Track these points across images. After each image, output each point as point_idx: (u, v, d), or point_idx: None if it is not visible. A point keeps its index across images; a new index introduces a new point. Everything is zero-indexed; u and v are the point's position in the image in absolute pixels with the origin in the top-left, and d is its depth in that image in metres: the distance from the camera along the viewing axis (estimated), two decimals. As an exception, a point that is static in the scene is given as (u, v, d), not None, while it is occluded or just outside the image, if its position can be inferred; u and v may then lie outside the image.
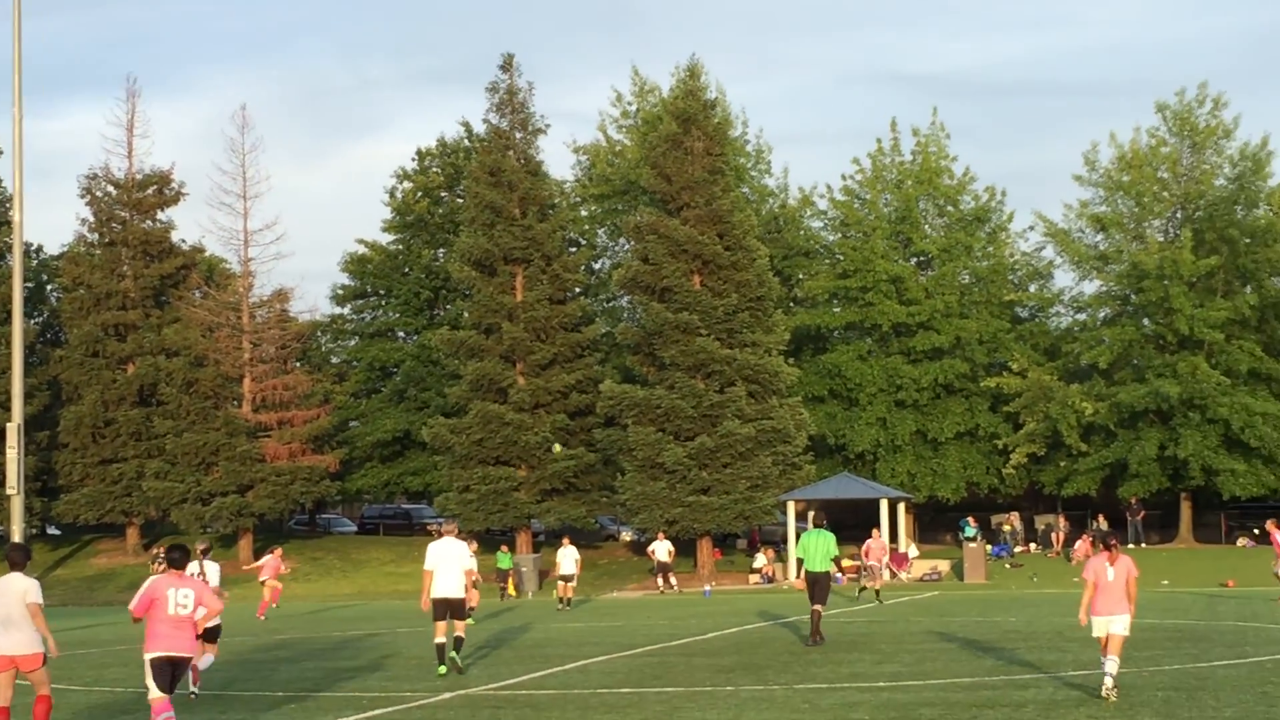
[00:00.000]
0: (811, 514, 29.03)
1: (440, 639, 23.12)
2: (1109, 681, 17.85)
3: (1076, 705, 17.10)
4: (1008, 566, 59.47)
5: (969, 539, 58.37)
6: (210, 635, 21.61)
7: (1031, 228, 74.31)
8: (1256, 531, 65.12)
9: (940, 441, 69.15)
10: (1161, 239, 68.02)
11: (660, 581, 56.49)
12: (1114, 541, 19.08)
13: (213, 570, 24.25)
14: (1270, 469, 64.36)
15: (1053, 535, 66.07)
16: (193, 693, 20.38)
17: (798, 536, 40.23)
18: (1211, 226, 66.18)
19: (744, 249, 62.54)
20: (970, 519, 60.73)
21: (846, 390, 69.61)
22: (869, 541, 48.54)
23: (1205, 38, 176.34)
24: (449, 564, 23.16)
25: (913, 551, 61.87)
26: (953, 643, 27.15)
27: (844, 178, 73.46)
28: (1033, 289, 73.75)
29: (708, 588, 55.74)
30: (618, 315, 74.80)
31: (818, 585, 27.34)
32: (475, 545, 38.75)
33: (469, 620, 24.71)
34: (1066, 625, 31.53)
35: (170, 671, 15.40)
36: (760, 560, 61.57)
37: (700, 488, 60.50)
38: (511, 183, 66.75)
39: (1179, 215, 68.89)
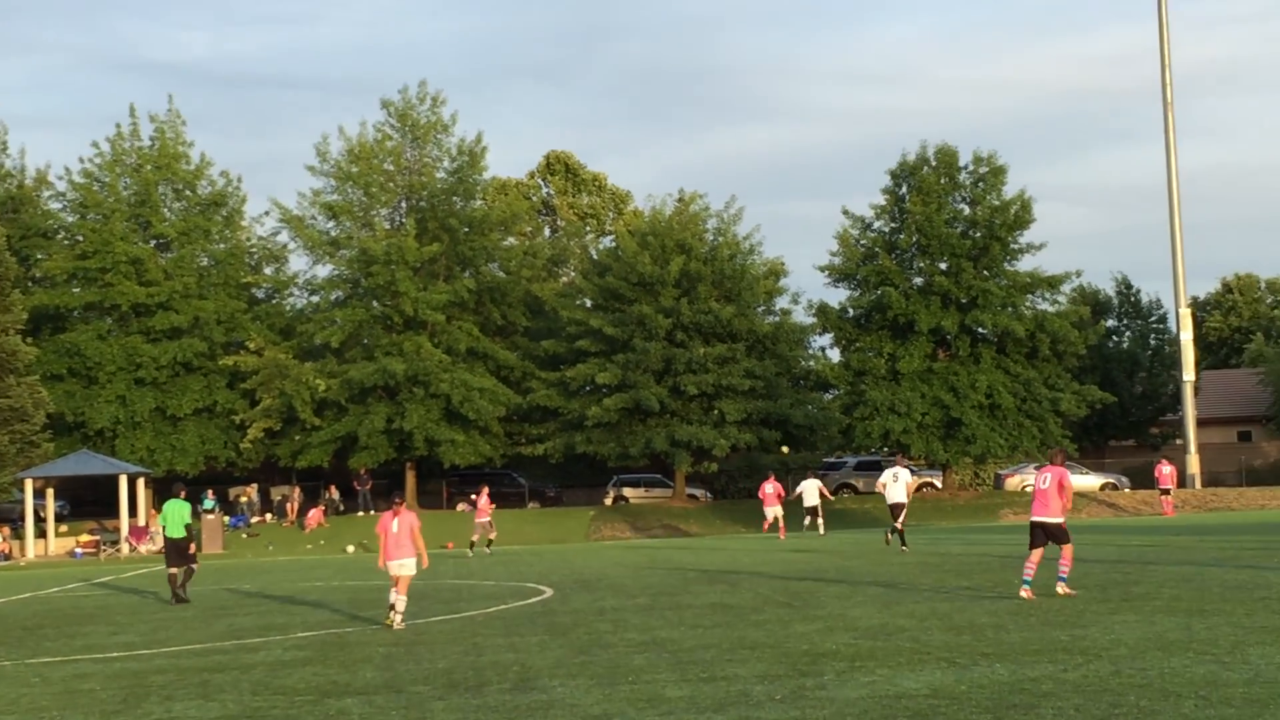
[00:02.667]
0: (173, 488, 30.17)
1: None
2: (397, 618, 21.17)
3: (303, 665, 17.14)
4: (245, 536, 59.23)
5: (207, 511, 57.74)
6: None
7: (267, 213, 74.09)
8: (473, 497, 67.96)
9: (179, 418, 67.90)
10: (389, 227, 69.61)
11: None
12: (399, 500, 22.07)
13: None
14: (486, 439, 67.23)
15: (287, 505, 66.41)
16: None
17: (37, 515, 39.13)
18: (434, 216, 68.31)
19: (-21, 227, 58.97)
20: (209, 491, 60.06)
21: (86, 369, 67.16)
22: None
23: (430, 40, 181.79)
24: None
25: (156, 527, 60.43)
26: (188, 612, 26.69)
27: (82, 160, 70.86)
28: (269, 272, 73.63)
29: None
30: None
31: (176, 550, 29.04)
32: None
33: None
34: (298, 590, 31.71)
35: None
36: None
37: (-68, 468, 56.66)
38: None
39: (404, 205, 70.64)
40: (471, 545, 47.58)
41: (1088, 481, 69.62)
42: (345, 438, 66.13)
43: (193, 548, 29.74)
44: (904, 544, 35.98)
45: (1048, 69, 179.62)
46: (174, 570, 29.03)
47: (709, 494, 72.83)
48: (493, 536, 47.67)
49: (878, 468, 72.41)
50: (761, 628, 18.82)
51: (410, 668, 16.40)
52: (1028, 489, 69.78)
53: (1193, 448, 68.71)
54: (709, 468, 67.61)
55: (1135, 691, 12.27)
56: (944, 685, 13.12)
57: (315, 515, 63.44)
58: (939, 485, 71.44)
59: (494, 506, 48.19)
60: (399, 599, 21.31)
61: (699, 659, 15.87)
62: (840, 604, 21.67)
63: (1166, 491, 59.66)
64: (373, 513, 67.33)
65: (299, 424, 66.22)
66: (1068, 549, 21.48)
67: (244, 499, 65.65)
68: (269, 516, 67.20)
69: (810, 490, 48.74)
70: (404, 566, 21.41)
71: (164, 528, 29.69)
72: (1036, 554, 21.46)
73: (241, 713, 13.60)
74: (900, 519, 36.17)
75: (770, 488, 49.47)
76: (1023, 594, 21.00)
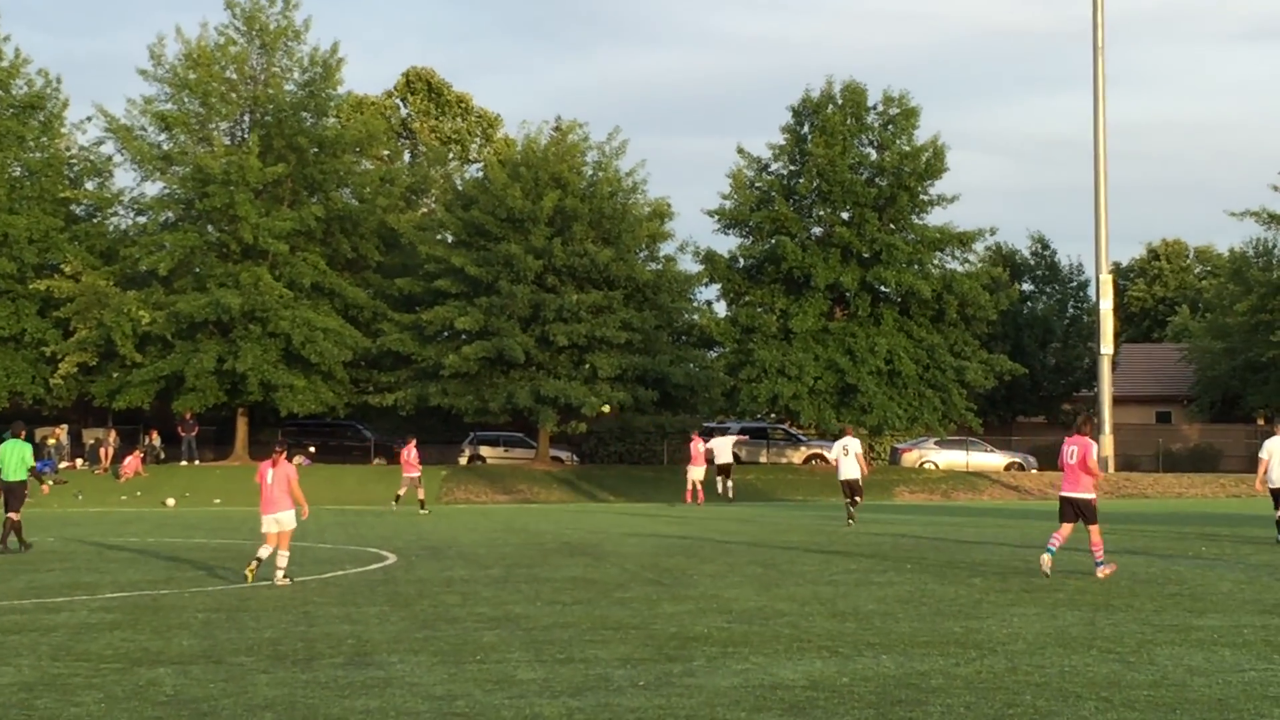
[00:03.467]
0: (11, 426, 30.77)
1: None
2: (278, 575, 22.16)
3: (111, 628, 16.97)
4: (51, 483, 58.33)
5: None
6: None
7: (89, 119, 72.65)
8: (312, 449, 67.65)
9: (-15, 348, 66.70)
10: (229, 143, 68.63)
11: None
12: (278, 449, 22.81)
13: None
14: (330, 385, 66.73)
15: (101, 450, 65.63)
16: None
17: None
18: (280, 133, 67.49)
19: None
20: (11, 431, 59.07)
21: (-127, 285, 65.66)
22: None
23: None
24: None
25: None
26: (-18, 565, 26.33)
27: (-119, 46, 69.06)
28: (90, 187, 72.23)
29: None
30: None
31: (13, 494, 30.27)
32: None
33: None
34: (109, 546, 31.37)
35: None
36: None
37: None
38: None
39: (247, 119, 69.73)
40: (397, 499, 49.44)
41: (991, 460, 70.76)
42: (170, 377, 65.31)
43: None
44: (851, 518, 37.20)
45: (969, 2, 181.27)
46: (14, 515, 29.90)
47: (576, 457, 72.99)
48: (422, 495, 48.36)
49: (764, 435, 73.14)
50: (626, 606, 18.91)
51: (232, 636, 16.30)
52: (926, 465, 71.04)
53: (1107, 428, 69.80)
54: (577, 428, 67.72)
55: (1032, 690, 12.47)
56: (824, 676, 13.25)
57: (132, 463, 62.74)
58: (829, 458, 72.09)
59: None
60: (279, 554, 22.31)
61: (556, 638, 15.92)
62: (714, 584, 21.83)
63: None
64: (197, 463, 66.77)
65: (118, 360, 65.30)
66: (1095, 530, 22.19)
67: (52, 441, 64.71)
68: (80, 462, 66.35)
69: (723, 448, 50.30)
70: (279, 521, 22.42)
71: None
72: (1066, 528, 22.35)
73: (39, 680, 13.44)
74: (858, 495, 37.90)
75: (701, 446, 51.19)
76: (1042, 560, 22.00)
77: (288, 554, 22.61)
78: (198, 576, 23.36)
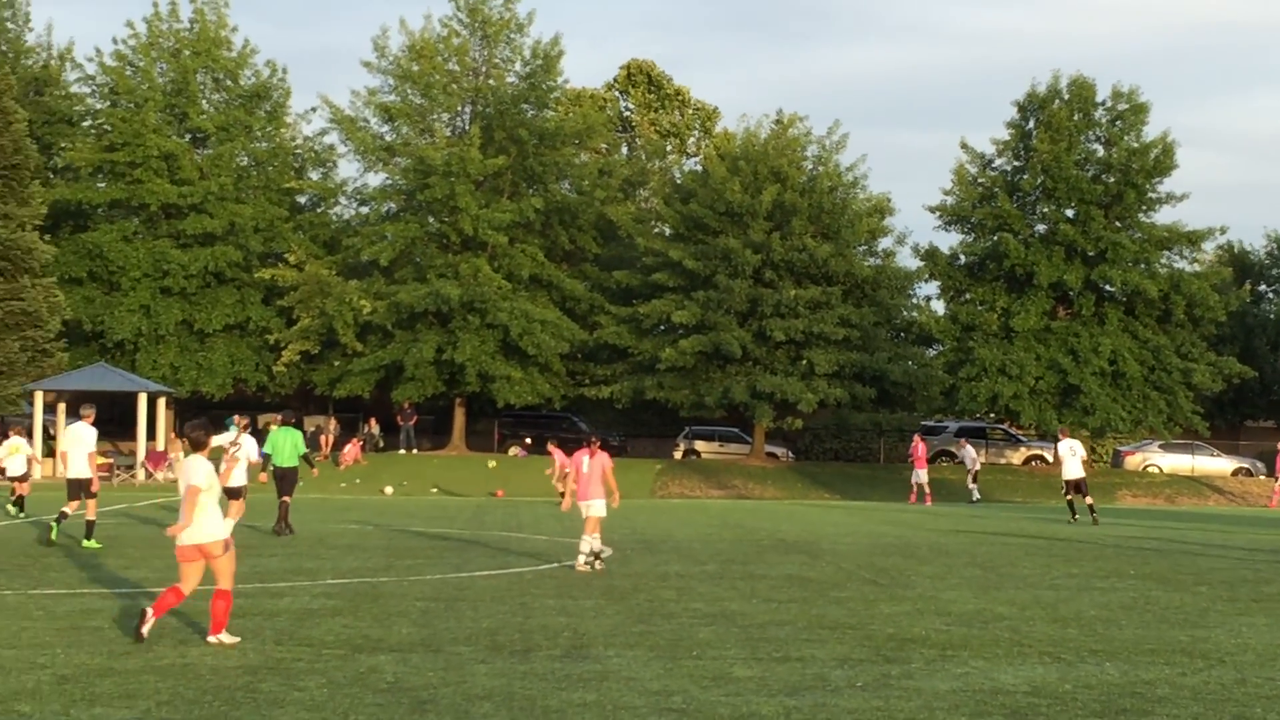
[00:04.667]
0: (282, 414, 32.80)
1: None
2: (581, 559, 23.26)
3: (333, 615, 17.32)
4: (264, 471, 59.60)
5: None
6: None
7: (314, 109, 74.13)
8: (528, 440, 68.30)
9: (208, 333, 68.52)
10: (450, 134, 69.60)
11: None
12: (594, 439, 24.09)
13: None
14: (546, 377, 67.33)
15: (322, 438, 66.81)
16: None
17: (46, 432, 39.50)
18: (501, 125, 68.21)
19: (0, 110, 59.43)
20: (236, 417, 60.35)
21: (108, 273, 67.82)
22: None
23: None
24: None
25: (176, 453, 60.98)
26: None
27: (115, 41, 71.35)
28: (315, 177, 73.83)
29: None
30: None
31: (286, 479, 31.29)
32: None
33: None
34: (329, 532, 32.01)
35: None
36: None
37: (-66, 373, 57.38)
38: None
39: (469, 111, 70.58)
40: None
41: (1219, 465, 69.17)
42: (389, 367, 66.45)
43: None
44: (1075, 515, 39.15)
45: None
46: (286, 499, 31.35)
47: (791, 454, 72.82)
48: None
49: (981, 434, 72.27)
50: (843, 606, 18.84)
51: (450, 625, 16.53)
52: (1150, 469, 69.68)
53: (1342, 434, 68.04)
54: (793, 424, 67.54)
55: (1262, 703, 12.22)
56: (1046, 683, 13.10)
57: (352, 451, 63.89)
58: (1049, 459, 71.12)
59: None
60: (585, 539, 23.44)
61: (772, 636, 15.92)
62: (932, 585, 21.66)
63: None
64: (415, 451, 67.80)
65: (339, 348, 66.62)
66: None
67: (273, 427, 66.11)
68: (301, 449, 67.73)
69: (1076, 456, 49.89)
70: (593, 507, 23.58)
71: (270, 455, 31.51)
72: None
73: (263, 663, 13.75)
74: (1086, 494, 39.34)
75: (922, 447, 51.13)
76: None
77: (599, 538, 23.68)
78: (416, 565, 23.72)
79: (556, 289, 68.53)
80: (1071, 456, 38.65)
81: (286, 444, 31.69)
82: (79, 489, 27.21)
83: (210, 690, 12.28)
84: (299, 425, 37.39)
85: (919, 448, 53.26)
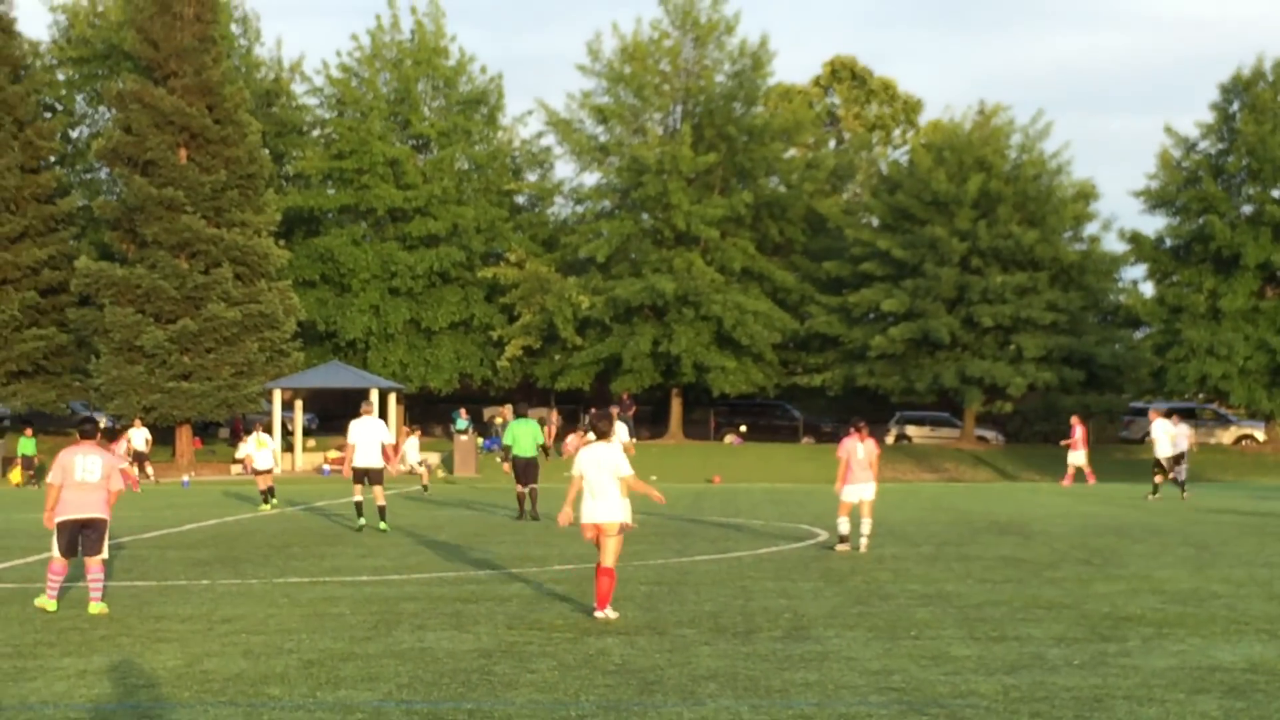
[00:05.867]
0: (514, 407, 35.03)
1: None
2: (864, 541, 23.62)
3: (562, 599, 17.52)
4: (499, 460, 60.34)
5: (460, 431, 58.97)
6: None
7: (530, 112, 74.81)
8: (743, 429, 68.36)
9: (434, 331, 69.59)
10: (662, 133, 69.89)
11: (136, 472, 54.85)
12: (862, 424, 24.07)
13: None
14: (759, 367, 67.43)
15: (545, 429, 67.31)
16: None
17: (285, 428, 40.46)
18: (711, 123, 68.38)
19: (235, 123, 60.87)
20: (462, 411, 61.35)
21: (339, 275, 69.17)
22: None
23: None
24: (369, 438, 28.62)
25: (412, 445, 61.85)
26: (441, 536, 27.42)
27: (339, 54, 72.76)
28: (532, 178, 74.61)
29: (186, 478, 54.65)
30: (96, 188, 71.74)
31: (529, 468, 32.19)
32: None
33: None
34: (552, 518, 32.32)
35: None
36: (245, 449, 60.54)
37: (181, 373, 59.07)
38: (-23, 39, 63.13)
39: (679, 110, 70.80)
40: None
41: None
42: (608, 359, 67.00)
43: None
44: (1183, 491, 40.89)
45: None
46: (523, 489, 32.23)
47: (1001, 436, 71.95)
48: None
49: (1192, 415, 70.68)
50: (1058, 586, 18.61)
51: (674, 609, 16.63)
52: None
53: None
54: (1002, 408, 66.81)
55: None
56: (1264, 660, 12.83)
57: (574, 441, 64.18)
58: (1260, 438, 69.38)
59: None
60: (865, 523, 23.84)
61: (988, 616, 15.78)
62: (1146, 564, 21.30)
63: None
64: (635, 441, 68.12)
65: (560, 343, 67.30)
66: None
67: (499, 420, 66.96)
68: (525, 441, 68.52)
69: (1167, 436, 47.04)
70: (865, 490, 23.82)
71: (510, 446, 32.62)
72: None
73: (496, 646, 13.96)
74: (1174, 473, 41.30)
75: (1080, 430, 49.45)
76: None
77: (871, 521, 24.08)
78: (639, 550, 23.85)
79: (768, 280, 68.55)
80: (1164, 436, 41.02)
81: (526, 435, 32.37)
82: (369, 476, 28.70)
83: (447, 673, 12.49)
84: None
85: (1076, 430, 50.89)
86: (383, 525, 28.24)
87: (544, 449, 33.28)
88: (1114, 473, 56.85)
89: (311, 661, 13.13)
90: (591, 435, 16.54)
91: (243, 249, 59.93)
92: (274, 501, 36.77)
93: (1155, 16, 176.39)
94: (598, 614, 15.74)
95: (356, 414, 29.27)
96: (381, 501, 28.74)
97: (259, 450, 37.87)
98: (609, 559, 16.02)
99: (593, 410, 17.76)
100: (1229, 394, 65.62)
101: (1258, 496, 42.48)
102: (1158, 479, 41.18)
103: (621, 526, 16.17)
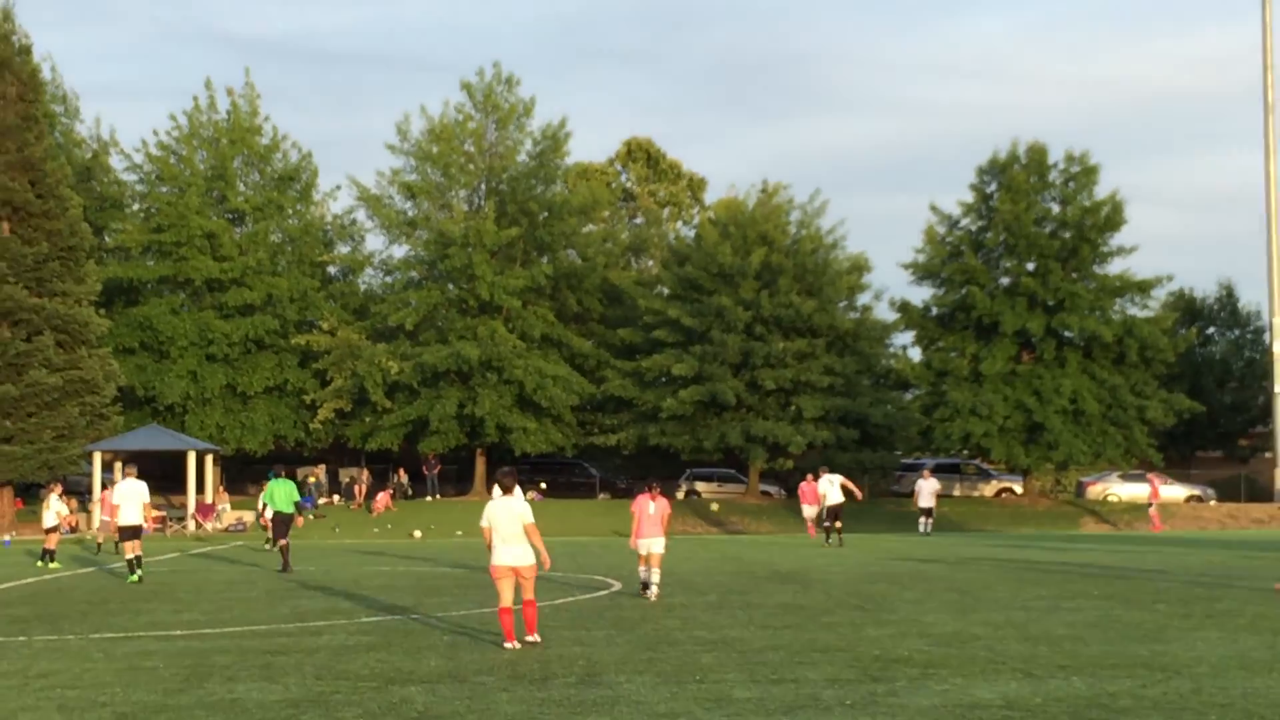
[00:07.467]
0: (274, 468, 37.88)
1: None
2: (654, 590, 23.96)
3: (367, 650, 17.30)
4: (311, 518, 59.59)
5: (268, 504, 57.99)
6: None
7: (339, 187, 74.12)
8: (543, 486, 68.22)
9: (250, 395, 68.54)
10: (467, 209, 69.87)
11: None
12: (654, 484, 24.83)
13: None
14: (559, 427, 67.48)
15: (355, 488, 66.85)
16: None
17: (104, 487, 39.60)
18: (513, 199, 68.52)
19: (56, 197, 59.33)
20: (278, 471, 60.37)
21: (158, 343, 67.86)
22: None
23: (514, 19, 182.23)
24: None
25: (223, 504, 60.93)
26: (254, 592, 26.97)
27: (156, 133, 71.66)
28: (344, 250, 73.94)
29: (7, 538, 53.09)
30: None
31: (282, 523, 33.96)
32: None
33: None
34: (363, 574, 31.97)
35: None
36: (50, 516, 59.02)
37: (3, 436, 57.35)
38: None
39: (484, 187, 70.85)
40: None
41: (1173, 493, 68.99)
42: (416, 422, 66.48)
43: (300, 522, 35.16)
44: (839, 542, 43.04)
45: (1144, 67, 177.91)
46: (283, 541, 33.60)
47: (783, 491, 72.65)
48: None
49: (956, 470, 72.20)
50: (833, 630, 18.81)
51: (475, 657, 16.51)
52: (1110, 498, 69.52)
53: (1281, 461, 67.96)
54: (784, 465, 67.51)
55: (1217, 711, 12.18)
56: (1019, 697, 13.07)
57: (383, 499, 63.85)
58: (1018, 490, 70.98)
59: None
60: (654, 573, 24.16)
61: (768, 660, 15.89)
62: (914, 609, 21.62)
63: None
64: (439, 498, 67.72)
65: (370, 406, 66.67)
66: None
67: (312, 480, 66.16)
68: (336, 498, 67.71)
69: (927, 491, 50.95)
70: (654, 544, 24.15)
71: (268, 504, 34.45)
72: None
73: (304, 696, 13.73)
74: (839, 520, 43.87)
75: (808, 487, 48.38)
76: None
77: (659, 571, 24.42)
78: (443, 602, 23.68)
79: (566, 347, 68.65)
80: (831, 487, 43.36)
81: (281, 493, 33.97)
82: (131, 534, 29.75)
83: (256, 722, 12.25)
84: (292, 477, 40.52)
85: (807, 487, 50.24)
86: (132, 578, 28.98)
87: (297, 506, 35.05)
88: (886, 524, 57.70)
89: (125, 715, 12.81)
90: (497, 490, 17.83)
91: (64, 317, 58.43)
92: (55, 565, 35.79)
93: (921, 106, 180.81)
94: (528, 639, 17.36)
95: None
96: (139, 553, 29.68)
97: (45, 511, 37.94)
98: (529, 593, 17.74)
99: (502, 468, 18.83)
100: (990, 450, 66.94)
101: (1016, 545, 43.38)
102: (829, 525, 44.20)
103: (533, 567, 17.72)
